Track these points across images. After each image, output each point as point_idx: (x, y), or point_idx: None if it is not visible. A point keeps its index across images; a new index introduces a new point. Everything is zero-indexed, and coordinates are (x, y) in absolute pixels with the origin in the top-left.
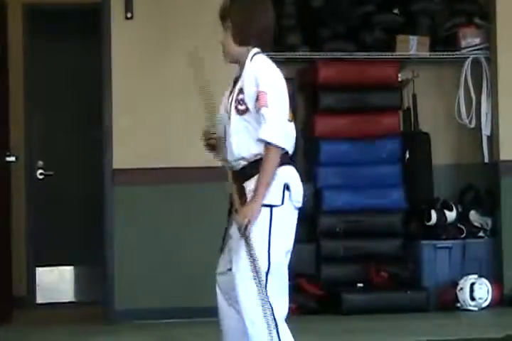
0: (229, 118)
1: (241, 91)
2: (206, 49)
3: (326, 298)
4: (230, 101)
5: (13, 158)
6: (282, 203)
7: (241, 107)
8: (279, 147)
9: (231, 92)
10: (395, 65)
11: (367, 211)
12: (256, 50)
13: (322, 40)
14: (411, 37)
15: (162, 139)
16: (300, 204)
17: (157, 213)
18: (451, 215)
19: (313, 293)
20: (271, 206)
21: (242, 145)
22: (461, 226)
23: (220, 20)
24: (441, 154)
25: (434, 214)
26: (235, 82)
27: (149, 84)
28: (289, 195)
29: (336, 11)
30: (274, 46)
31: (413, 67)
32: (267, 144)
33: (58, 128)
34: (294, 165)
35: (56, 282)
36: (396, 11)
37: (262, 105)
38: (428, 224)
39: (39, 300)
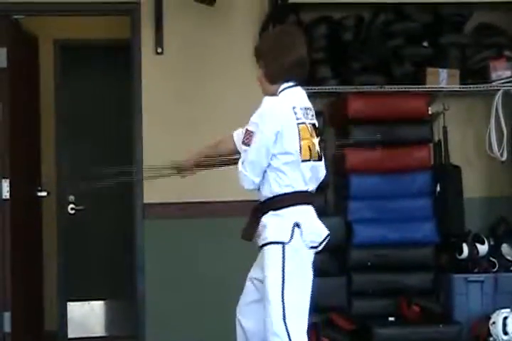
0: None
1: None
2: (236, 85)
3: (357, 332)
4: None
5: (44, 193)
6: (290, 240)
7: (246, 140)
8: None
9: None
10: (425, 97)
11: (398, 244)
12: (285, 85)
13: (352, 73)
14: (441, 70)
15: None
16: (315, 244)
17: (188, 247)
18: (483, 248)
19: (344, 327)
20: (282, 243)
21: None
22: (493, 260)
23: (256, 58)
24: (473, 187)
25: (465, 248)
26: None
27: (180, 118)
28: (300, 233)
29: (365, 44)
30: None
31: (443, 99)
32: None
33: (89, 163)
34: (313, 205)
35: (87, 316)
36: (426, 43)
37: (246, 140)
38: (460, 257)
39: (70, 334)
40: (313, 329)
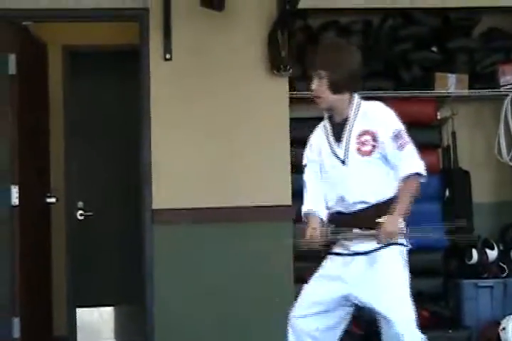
0: (343, 162)
1: (365, 133)
2: (245, 91)
3: (366, 337)
4: (344, 145)
5: (53, 200)
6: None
7: (365, 148)
8: (423, 176)
9: (338, 137)
10: (433, 102)
11: (407, 249)
12: (355, 94)
13: (360, 78)
14: (449, 74)
15: (201, 179)
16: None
17: (197, 253)
18: (492, 254)
19: (354, 332)
20: (404, 245)
21: (367, 188)
22: (503, 265)
23: (310, 69)
24: (482, 192)
25: (475, 253)
26: (337, 126)
27: (189, 124)
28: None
29: (373, 49)
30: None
31: (452, 104)
32: (414, 175)
33: (98, 169)
34: None
35: (97, 322)
36: (434, 48)
37: (406, 142)
38: (469, 263)
39: (80, 340)
40: None
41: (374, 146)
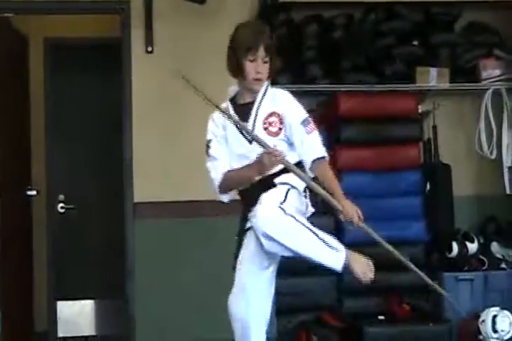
0: (250, 141)
1: (272, 114)
2: (227, 84)
3: (347, 330)
4: (251, 124)
5: (34, 192)
6: None
7: (273, 129)
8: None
9: (244, 117)
10: (415, 96)
11: (388, 243)
12: None
13: (342, 72)
14: (431, 69)
15: (184, 172)
16: None
17: (179, 247)
18: (472, 247)
19: (334, 325)
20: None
21: None
22: (483, 258)
23: (265, 53)
24: (462, 185)
25: (455, 246)
26: (242, 106)
27: (170, 117)
28: None
29: (356, 43)
30: (295, 78)
31: (433, 98)
32: (322, 159)
33: (79, 162)
34: None
35: (77, 316)
36: (416, 42)
37: (313, 128)
38: (449, 256)
39: (60, 333)
40: (303, 328)
41: (280, 129)
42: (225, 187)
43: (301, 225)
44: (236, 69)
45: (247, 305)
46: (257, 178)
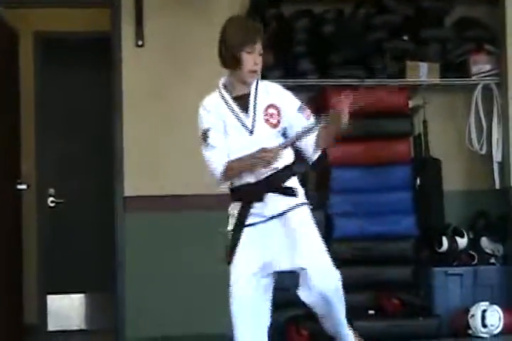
0: (251, 132)
1: (270, 106)
2: (218, 77)
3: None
4: (251, 116)
5: (24, 186)
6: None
7: (273, 121)
8: None
9: (243, 108)
10: (405, 91)
11: (378, 238)
12: None
13: (332, 66)
14: (421, 63)
15: (173, 166)
16: None
17: (169, 240)
18: (462, 242)
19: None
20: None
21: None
22: (473, 253)
23: (260, 45)
24: (453, 180)
25: (445, 241)
26: (238, 98)
27: (160, 112)
28: None
29: (346, 38)
30: (285, 73)
31: (424, 93)
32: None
33: (69, 156)
34: None
35: (67, 309)
36: (406, 37)
37: (310, 113)
38: (439, 250)
39: (50, 327)
40: (293, 322)
41: (279, 121)
42: (226, 177)
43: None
44: (231, 61)
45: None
46: (262, 172)
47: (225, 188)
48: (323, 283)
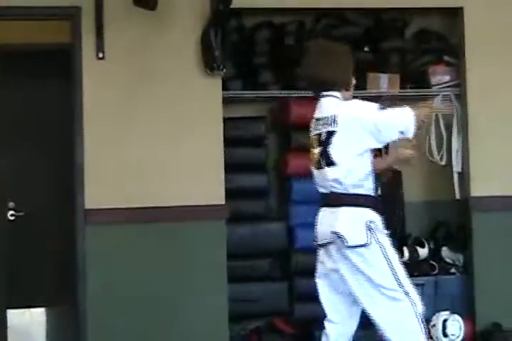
0: None
1: None
2: (180, 89)
3: (299, 336)
4: None
5: None
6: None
7: None
8: None
9: None
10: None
11: None
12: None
13: (294, 78)
14: (382, 75)
15: (134, 179)
16: (321, 242)
17: (133, 254)
18: (423, 252)
19: (286, 331)
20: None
21: None
22: (433, 263)
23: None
24: (413, 191)
25: (406, 251)
26: None
27: (121, 124)
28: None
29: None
30: (246, 84)
31: (384, 104)
32: None
33: (30, 168)
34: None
35: (28, 324)
36: (367, 48)
37: None
38: (400, 260)
39: None
40: (255, 334)
41: None
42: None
43: None
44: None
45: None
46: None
47: None
48: None
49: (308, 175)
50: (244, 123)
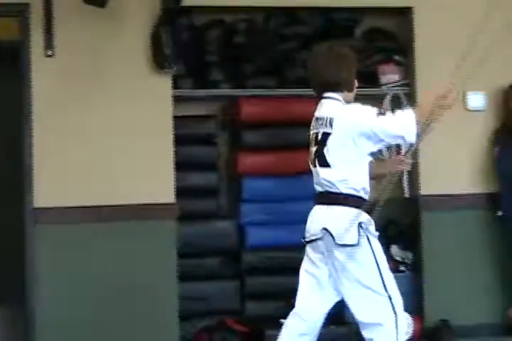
0: None
1: None
2: (130, 88)
3: (250, 334)
4: None
5: None
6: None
7: None
8: None
9: None
10: (316, 101)
11: (291, 247)
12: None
13: (245, 76)
14: None
15: (84, 177)
16: (310, 239)
17: (80, 252)
18: None
19: (237, 329)
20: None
21: None
22: None
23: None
24: None
25: None
26: None
27: (71, 121)
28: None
29: (258, 48)
30: (197, 83)
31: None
32: None
33: None
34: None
35: None
36: None
37: None
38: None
39: None
40: (205, 333)
41: None
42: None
43: None
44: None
45: None
46: None
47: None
48: None
49: (259, 173)
50: (194, 122)
